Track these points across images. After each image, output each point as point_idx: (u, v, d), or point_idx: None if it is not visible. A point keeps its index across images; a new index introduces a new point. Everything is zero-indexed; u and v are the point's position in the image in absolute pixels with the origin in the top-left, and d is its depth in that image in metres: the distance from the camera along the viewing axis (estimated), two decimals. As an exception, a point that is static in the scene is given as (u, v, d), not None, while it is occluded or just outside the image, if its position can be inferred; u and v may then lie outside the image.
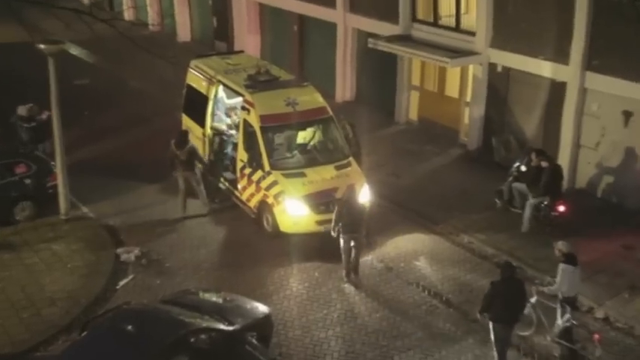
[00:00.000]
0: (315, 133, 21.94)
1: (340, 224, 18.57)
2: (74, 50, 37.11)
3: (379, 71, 29.72)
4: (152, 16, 41.30)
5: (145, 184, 24.39)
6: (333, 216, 18.65)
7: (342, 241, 18.68)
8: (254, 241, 21.13)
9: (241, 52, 26.93)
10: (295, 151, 21.49)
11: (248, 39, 36.19)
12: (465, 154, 26.22)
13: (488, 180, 23.37)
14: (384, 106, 29.72)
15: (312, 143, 21.90)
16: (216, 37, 39.42)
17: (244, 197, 21.76)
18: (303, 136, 21.90)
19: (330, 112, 22.01)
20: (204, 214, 22.13)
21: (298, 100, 21.47)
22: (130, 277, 19.66)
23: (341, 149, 21.58)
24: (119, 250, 20.67)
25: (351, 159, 21.33)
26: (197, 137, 23.53)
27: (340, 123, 22.15)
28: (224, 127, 23.66)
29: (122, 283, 19.37)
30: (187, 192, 21.90)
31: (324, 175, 20.48)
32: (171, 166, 21.65)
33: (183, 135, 21.78)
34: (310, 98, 21.86)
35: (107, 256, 20.15)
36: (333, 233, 18.67)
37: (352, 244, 18.62)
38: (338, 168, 20.92)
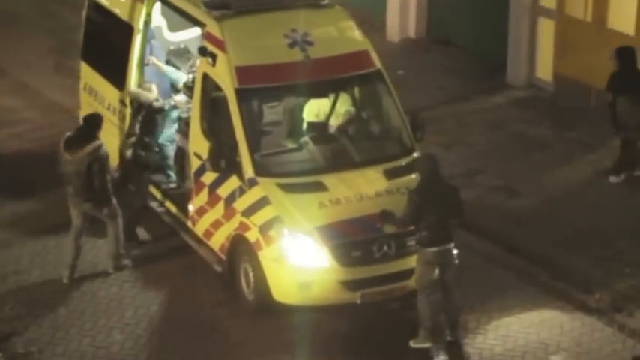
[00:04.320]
0: (345, 103, 17.41)
1: (418, 227, 15.15)
2: None
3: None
4: None
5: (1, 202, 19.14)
6: (398, 223, 15.27)
7: (421, 266, 14.99)
8: (219, 325, 16.30)
9: None
10: (306, 140, 17.03)
11: None
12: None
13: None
14: (485, 51, 24.04)
15: (339, 124, 17.20)
16: None
17: (201, 229, 17.37)
18: (321, 110, 17.21)
19: (378, 63, 17.32)
20: (108, 271, 17.09)
21: (313, 37, 16.96)
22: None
23: (398, 138, 17.22)
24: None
25: (417, 156, 17.23)
26: (108, 109, 18.73)
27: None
28: (168, 91, 18.80)
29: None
30: (82, 231, 16.94)
31: (362, 189, 16.44)
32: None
33: (90, 123, 16.73)
34: (337, 33, 17.52)
35: None
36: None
37: (442, 270, 14.95)
38: (391, 174, 16.47)
